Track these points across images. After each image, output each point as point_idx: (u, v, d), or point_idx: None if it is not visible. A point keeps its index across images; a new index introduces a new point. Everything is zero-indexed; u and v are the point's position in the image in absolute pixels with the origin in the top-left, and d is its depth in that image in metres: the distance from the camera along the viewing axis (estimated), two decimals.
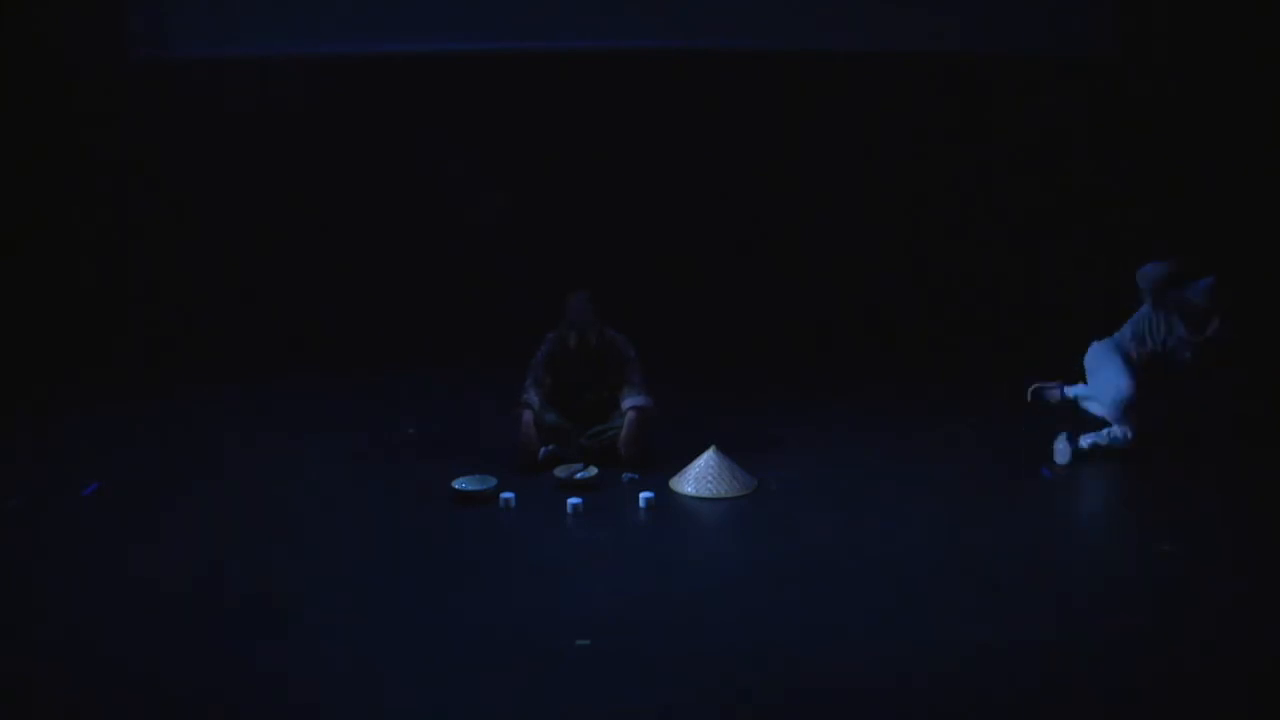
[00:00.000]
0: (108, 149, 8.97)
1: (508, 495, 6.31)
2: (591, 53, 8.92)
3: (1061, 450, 6.67)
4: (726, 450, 6.61)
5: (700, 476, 6.47)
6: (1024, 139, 9.02)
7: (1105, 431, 6.70)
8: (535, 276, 8.96)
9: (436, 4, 8.89)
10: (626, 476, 6.60)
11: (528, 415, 6.73)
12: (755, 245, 9.26)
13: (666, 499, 6.39)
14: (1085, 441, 6.66)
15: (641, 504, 6.28)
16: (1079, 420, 6.90)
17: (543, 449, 6.77)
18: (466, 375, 8.53)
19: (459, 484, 6.39)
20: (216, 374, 8.54)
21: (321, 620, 5.13)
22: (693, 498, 6.43)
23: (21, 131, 8.82)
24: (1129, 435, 6.66)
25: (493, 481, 6.42)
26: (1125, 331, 6.86)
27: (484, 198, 9.21)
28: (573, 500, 6.22)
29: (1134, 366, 6.68)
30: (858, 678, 4.68)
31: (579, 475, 6.52)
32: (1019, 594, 5.48)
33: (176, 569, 5.58)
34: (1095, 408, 6.87)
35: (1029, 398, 7.16)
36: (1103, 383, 6.75)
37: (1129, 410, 6.62)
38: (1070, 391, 7.08)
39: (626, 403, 6.79)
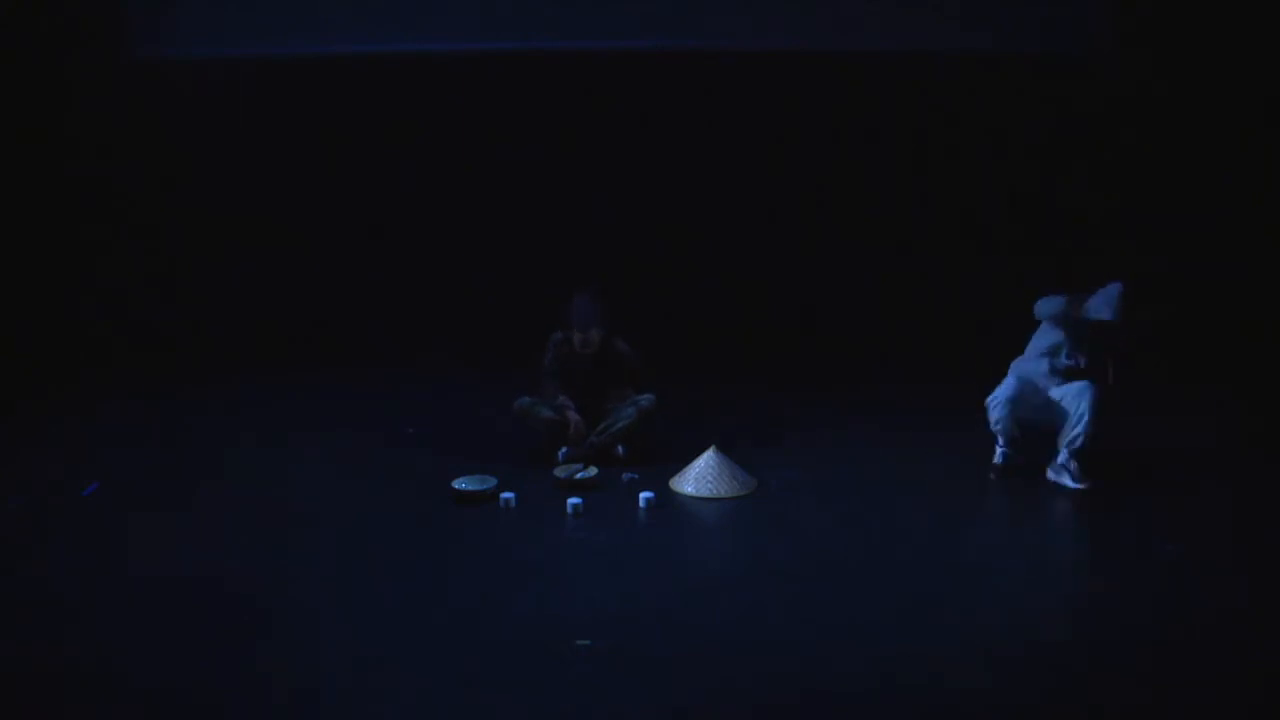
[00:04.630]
0: (107, 148, 8.98)
1: (508, 495, 6.31)
2: (592, 53, 8.93)
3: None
4: (726, 450, 6.61)
5: (700, 476, 6.47)
6: (1024, 139, 9.02)
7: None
8: (535, 277, 8.97)
9: (436, 4, 8.90)
10: (626, 476, 6.60)
11: (574, 415, 6.84)
12: (755, 245, 9.27)
13: (666, 499, 6.40)
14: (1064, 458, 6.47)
15: (641, 504, 6.28)
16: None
17: (561, 451, 6.80)
18: (466, 375, 8.54)
19: (459, 484, 6.40)
20: (216, 374, 8.54)
21: (322, 620, 5.13)
22: (693, 498, 6.43)
23: (21, 131, 8.83)
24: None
25: (493, 481, 6.43)
26: (1035, 358, 6.58)
27: (486, 197, 9.23)
28: (573, 500, 6.22)
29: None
30: (858, 677, 4.68)
31: (579, 475, 6.53)
32: (1019, 594, 5.48)
33: (176, 568, 5.58)
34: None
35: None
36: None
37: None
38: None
39: (629, 400, 6.92)
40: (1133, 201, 8.96)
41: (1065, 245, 9.03)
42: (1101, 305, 6.38)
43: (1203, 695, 4.56)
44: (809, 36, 8.94)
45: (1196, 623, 5.10)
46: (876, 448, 7.14)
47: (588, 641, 4.87)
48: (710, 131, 9.11)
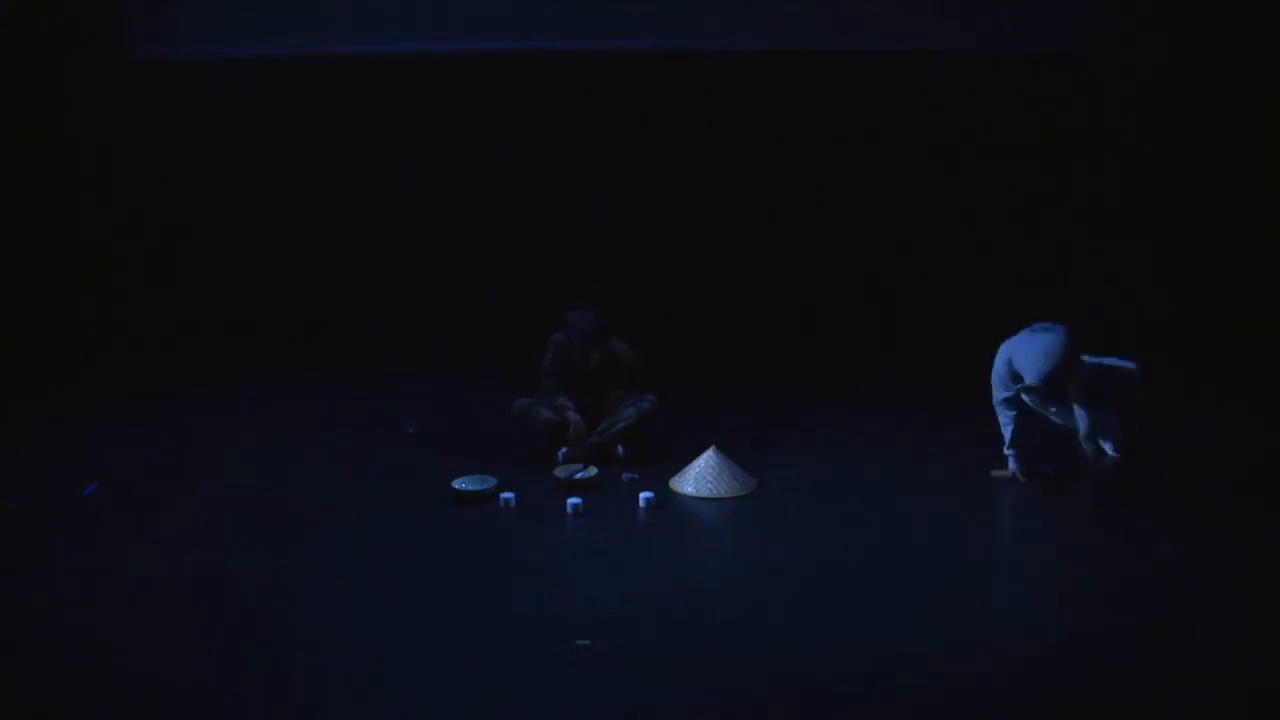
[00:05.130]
0: (107, 148, 8.98)
1: (508, 495, 6.31)
2: (592, 53, 8.93)
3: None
4: (726, 450, 6.61)
5: (700, 476, 6.47)
6: (1024, 139, 9.02)
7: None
8: (535, 277, 8.98)
9: (436, 4, 8.90)
10: (626, 476, 6.60)
11: (574, 415, 6.83)
12: (755, 245, 9.27)
13: (666, 499, 6.40)
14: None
15: (641, 504, 6.28)
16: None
17: (561, 451, 6.81)
18: (466, 375, 8.54)
19: (459, 484, 6.40)
20: (216, 374, 8.54)
21: (321, 620, 5.13)
22: (693, 498, 6.43)
23: (21, 130, 8.83)
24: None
25: (493, 481, 6.42)
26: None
27: (486, 197, 9.23)
28: (573, 500, 6.22)
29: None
30: (858, 677, 4.68)
31: (579, 475, 6.53)
32: (1019, 593, 5.48)
33: (176, 569, 5.58)
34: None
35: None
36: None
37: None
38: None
39: (629, 401, 6.91)
40: (1132, 201, 8.96)
41: (1065, 245, 9.05)
42: (1037, 362, 6.26)
43: (1203, 695, 4.56)
44: (809, 36, 8.93)
45: (1196, 623, 5.10)
46: (876, 448, 7.14)
47: (588, 641, 4.87)
48: (710, 131, 9.11)
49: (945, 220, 9.16)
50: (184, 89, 8.97)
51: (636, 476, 6.59)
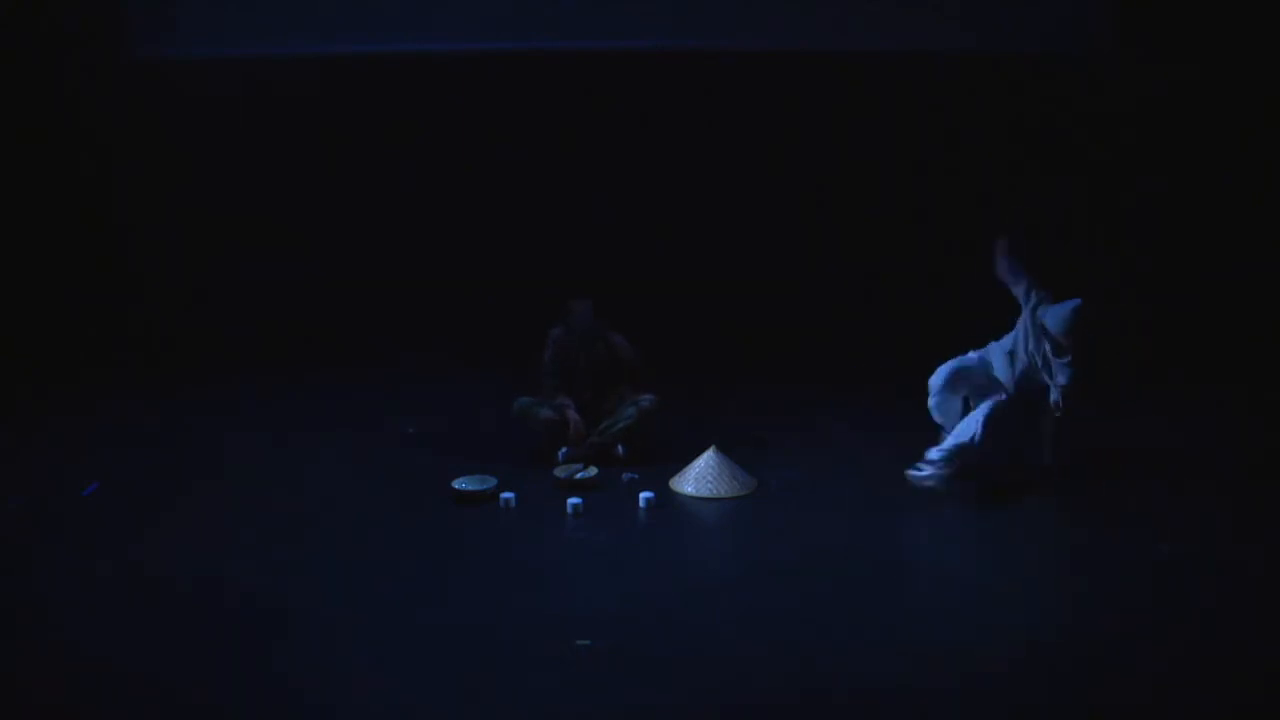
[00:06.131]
0: (107, 148, 8.98)
1: (508, 495, 6.31)
2: (592, 53, 8.93)
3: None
4: (726, 450, 6.61)
5: (700, 476, 6.47)
6: (1024, 139, 9.02)
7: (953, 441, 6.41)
8: (535, 276, 8.97)
9: (436, 4, 8.91)
10: (626, 476, 6.60)
11: (574, 415, 6.82)
12: (755, 245, 9.27)
13: (666, 499, 6.40)
14: (934, 454, 6.32)
15: (641, 504, 6.28)
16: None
17: (561, 451, 6.81)
18: (466, 375, 8.53)
19: (459, 484, 6.40)
20: (217, 374, 8.54)
21: (322, 620, 5.13)
22: (693, 498, 6.43)
23: (21, 130, 8.83)
24: (978, 441, 6.31)
25: (493, 481, 6.43)
26: (994, 347, 6.64)
27: (486, 197, 9.23)
28: (573, 500, 6.22)
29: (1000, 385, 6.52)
30: (857, 678, 4.69)
31: (579, 475, 6.53)
32: (1019, 594, 5.48)
33: (176, 568, 5.58)
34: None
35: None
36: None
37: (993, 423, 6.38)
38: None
39: (629, 400, 6.90)
40: (1133, 201, 8.96)
41: (1066, 245, 9.04)
42: (1055, 320, 6.32)
43: (1203, 695, 4.56)
44: (809, 36, 8.94)
45: (1196, 623, 5.10)
46: (876, 448, 7.13)
47: (588, 641, 4.87)
48: (710, 131, 9.11)
49: (945, 220, 9.15)
50: (184, 89, 8.97)
51: (636, 476, 6.59)
